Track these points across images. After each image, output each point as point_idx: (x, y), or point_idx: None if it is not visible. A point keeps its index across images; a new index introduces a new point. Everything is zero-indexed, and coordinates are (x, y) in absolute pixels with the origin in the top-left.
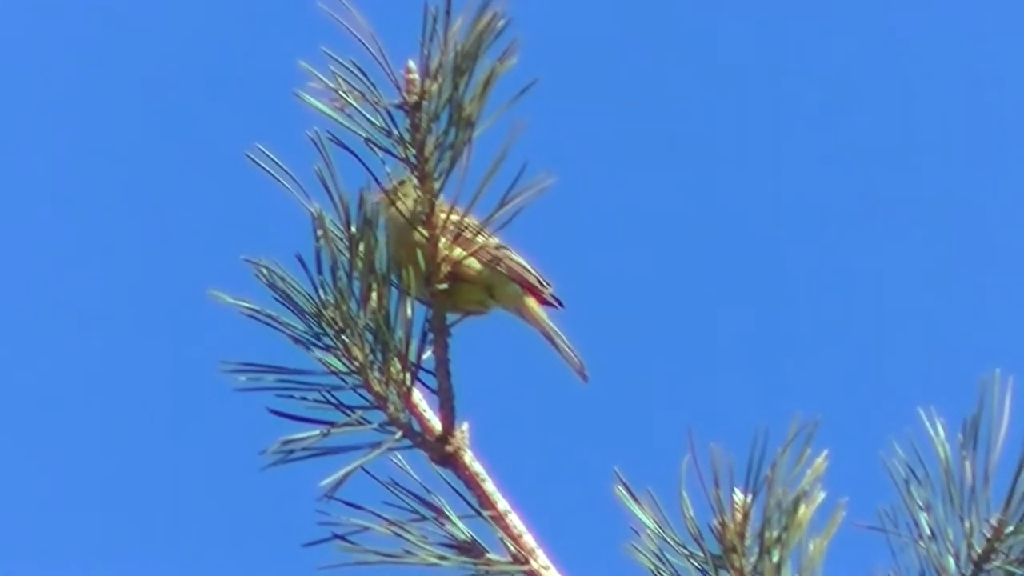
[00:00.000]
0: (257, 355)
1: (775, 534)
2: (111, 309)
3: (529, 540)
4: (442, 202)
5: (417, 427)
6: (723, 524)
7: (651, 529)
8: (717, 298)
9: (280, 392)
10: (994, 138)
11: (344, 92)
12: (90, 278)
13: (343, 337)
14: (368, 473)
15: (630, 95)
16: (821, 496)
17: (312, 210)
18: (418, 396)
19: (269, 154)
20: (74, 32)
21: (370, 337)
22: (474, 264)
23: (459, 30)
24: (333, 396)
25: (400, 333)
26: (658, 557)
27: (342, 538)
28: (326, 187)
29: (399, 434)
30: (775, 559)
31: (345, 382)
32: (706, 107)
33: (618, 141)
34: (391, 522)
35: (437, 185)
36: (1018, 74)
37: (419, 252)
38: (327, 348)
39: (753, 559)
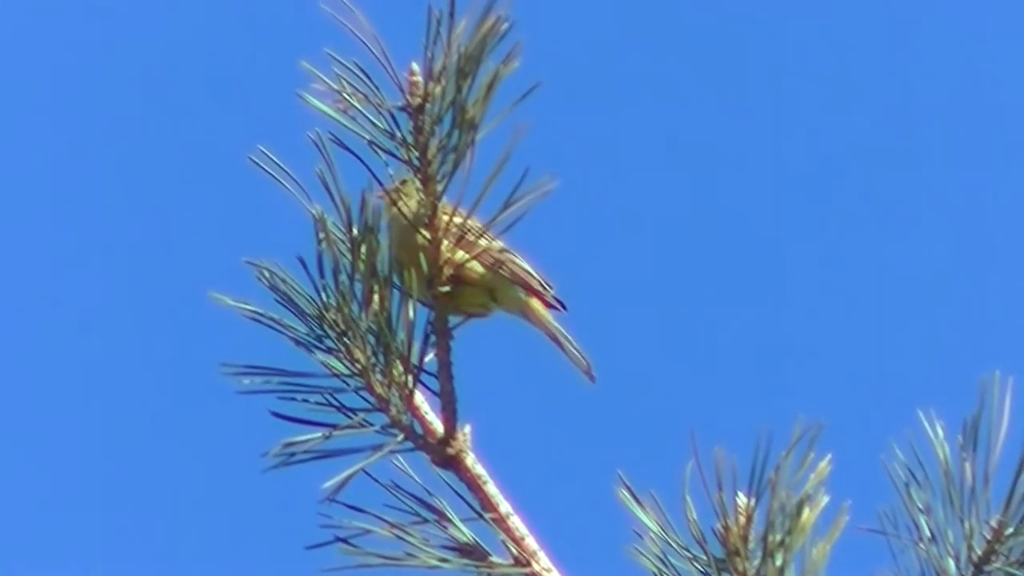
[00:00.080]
0: (259, 358)
1: (778, 538)
2: (113, 311)
3: (531, 543)
4: (445, 204)
5: (419, 430)
6: (726, 527)
7: (654, 532)
8: (720, 301)
9: (282, 395)
10: (995, 139)
11: (347, 94)
12: (92, 280)
13: (345, 339)
14: (370, 476)
15: (633, 98)
16: (824, 500)
17: (314, 212)
18: (420, 399)
19: (271, 156)
20: (76, 33)
21: (372, 339)
22: (477, 267)
23: (463, 33)
24: (335, 399)
25: (402, 335)
26: (661, 560)
27: (344, 541)
28: (328, 189)
29: (401, 437)
30: (778, 563)
31: (347, 384)
32: (708, 110)
33: (621, 144)
34: (393, 525)
35: (440, 188)
36: (1018, 74)
37: (422, 255)
38: (329, 350)
39: (756, 563)
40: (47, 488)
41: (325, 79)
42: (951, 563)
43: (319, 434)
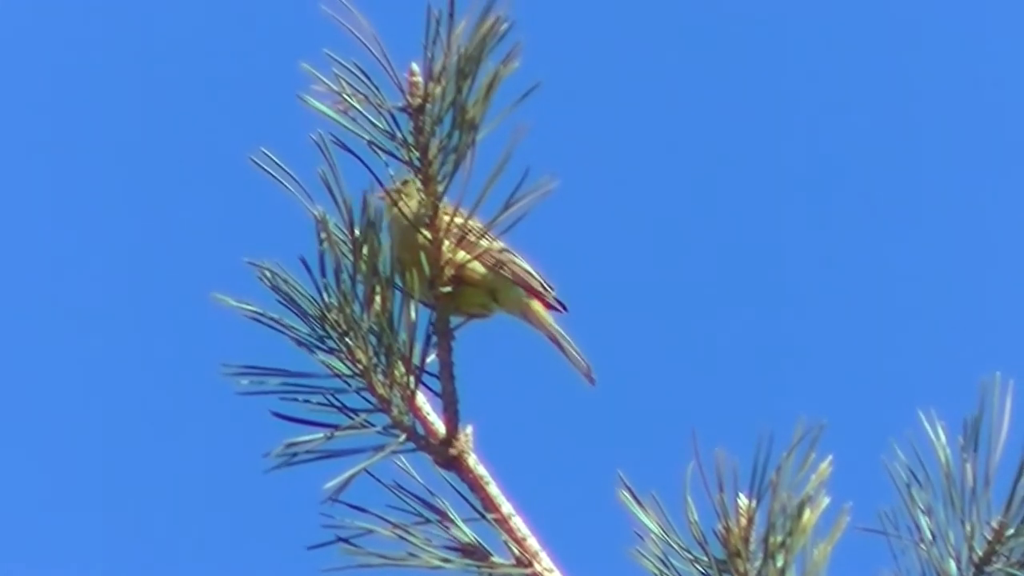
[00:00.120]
0: (260, 358)
1: (779, 539)
2: (115, 311)
3: (533, 543)
4: (446, 205)
5: (421, 430)
6: (727, 529)
7: (655, 533)
8: (721, 302)
9: (283, 395)
10: (997, 140)
11: (347, 95)
12: (94, 281)
13: (347, 340)
14: (372, 476)
15: (633, 99)
16: (825, 501)
17: (315, 213)
18: (422, 399)
19: (272, 157)
20: (78, 34)
21: (374, 340)
22: (478, 268)
23: (462, 33)
24: (337, 399)
25: (404, 336)
26: (662, 561)
27: (346, 541)
28: (329, 190)
29: (403, 437)
30: (779, 564)
31: (349, 385)
32: (708, 110)
33: (621, 145)
34: (395, 525)
35: (441, 188)
36: (1019, 74)
37: (423, 255)
38: (330, 351)
39: (757, 564)
40: (48, 488)
41: (325, 80)
42: (952, 564)
43: (321, 435)
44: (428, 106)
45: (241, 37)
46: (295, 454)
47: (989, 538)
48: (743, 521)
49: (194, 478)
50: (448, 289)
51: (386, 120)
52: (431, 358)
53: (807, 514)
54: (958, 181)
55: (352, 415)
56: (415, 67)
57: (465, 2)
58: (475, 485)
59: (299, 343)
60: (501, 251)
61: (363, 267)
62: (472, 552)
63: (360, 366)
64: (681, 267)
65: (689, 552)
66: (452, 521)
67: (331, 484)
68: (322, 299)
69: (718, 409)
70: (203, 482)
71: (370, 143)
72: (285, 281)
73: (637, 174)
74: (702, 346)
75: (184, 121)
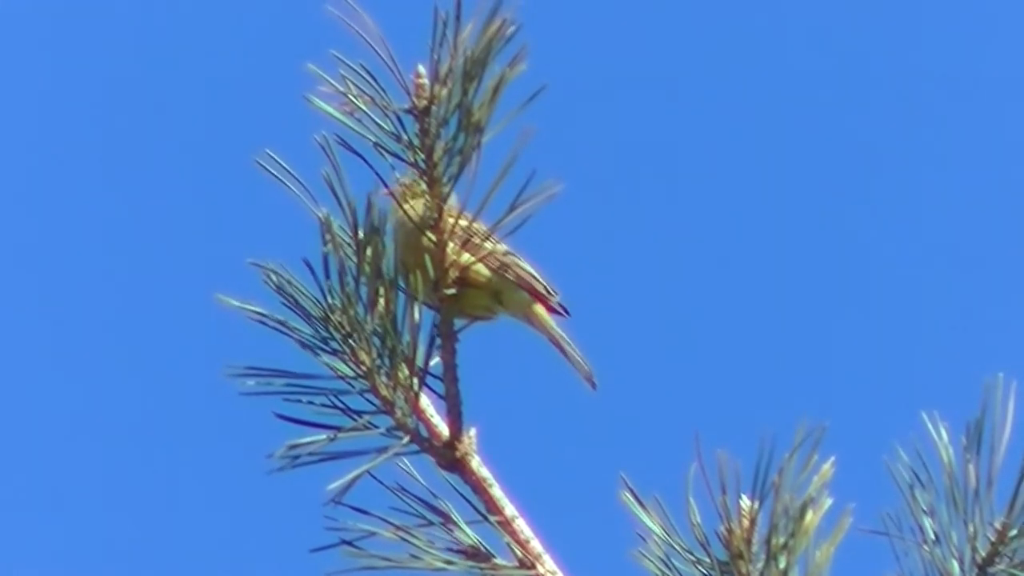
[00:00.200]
0: (264, 359)
1: (782, 540)
2: (119, 312)
3: (536, 545)
4: (451, 207)
5: (424, 432)
6: (730, 530)
7: (658, 535)
8: (722, 304)
9: (287, 396)
10: (999, 142)
11: (353, 96)
12: (98, 281)
13: (350, 341)
14: (375, 478)
15: (638, 102)
16: (828, 502)
17: (320, 214)
18: (425, 401)
19: (277, 158)
20: (83, 35)
21: (377, 342)
22: (482, 270)
23: (469, 35)
24: (340, 401)
25: (407, 338)
26: (665, 563)
27: (349, 543)
28: (334, 192)
29: (406, 439)
30: (782, 565)
31: (352, 387)
32: (713, 113)
33: (626, 148)
34: (398, 527)
35: (446, 190)
36: (1019, 74)
37: (427, 257)
38: (334, 352)
39: (760, 565)
40: (49, 488)
41: (331, 81)
42: (955, 565)
43: (324, 436)
44: (434, 108)
45: (248, 38)
46: (298, 456)
47: (992, 539)
48: (745, 523)
49: (197, 479)
50: (452, 291)
51: (392, 122)
52: (435, 360)
53: (809, 515)
54: (961, 184)
55: (355, 417)
56: (421, 69)
57: (472, 4)
58: (478, 487)
59: (303, 345)
60: (505, 254)
61: (367, 269)
62: (475, 554)
63: (364, 368)
64: (684, 271)
65: (691, 554)
66: (455, 523)
67: (334, 486)
68: (326, 301)
69: (720, 411)
70: (206, 483)
71: (375, 145)
72: (289, 283)
73: (642, 178)
74: (704, 349)
75: (190, 122)
